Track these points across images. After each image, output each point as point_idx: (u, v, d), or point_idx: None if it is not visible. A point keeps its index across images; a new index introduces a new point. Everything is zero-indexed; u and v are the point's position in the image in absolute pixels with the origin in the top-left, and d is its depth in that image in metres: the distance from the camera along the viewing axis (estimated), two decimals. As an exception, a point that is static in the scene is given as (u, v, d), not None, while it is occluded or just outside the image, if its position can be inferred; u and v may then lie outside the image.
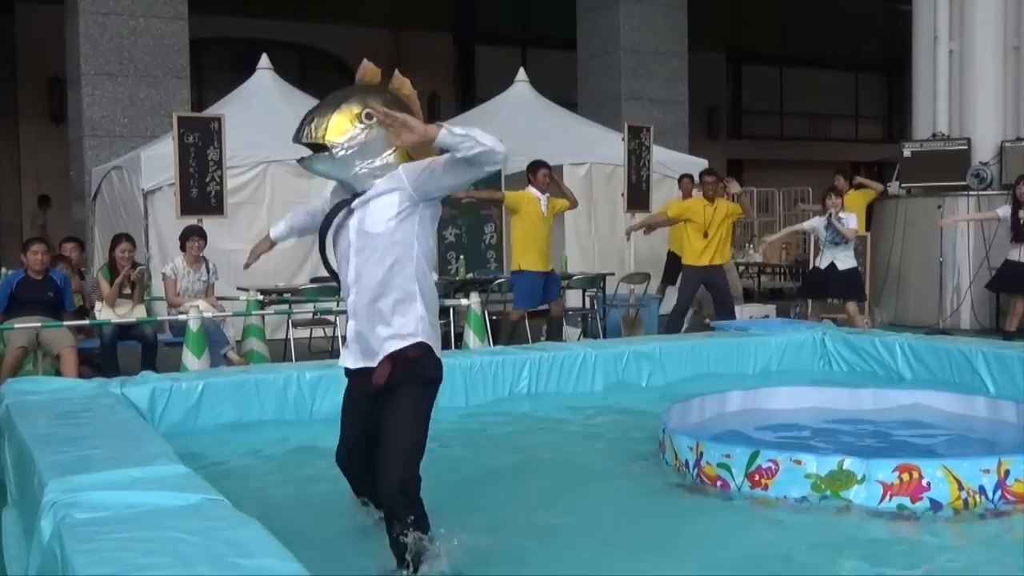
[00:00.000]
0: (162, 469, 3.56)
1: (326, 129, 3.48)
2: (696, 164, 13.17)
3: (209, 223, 9.40)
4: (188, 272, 8.52)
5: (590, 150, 12.60)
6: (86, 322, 8.11)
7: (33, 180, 17.16)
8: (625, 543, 4.09)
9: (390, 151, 3.53)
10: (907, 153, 12.14)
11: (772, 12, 22.86)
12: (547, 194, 9.28)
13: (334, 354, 9.12)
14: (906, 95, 14.77)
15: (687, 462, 4.79)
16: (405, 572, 3.41)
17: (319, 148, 3.52)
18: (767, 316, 11.20)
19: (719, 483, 4.60)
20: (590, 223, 12.36)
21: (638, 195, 11.47)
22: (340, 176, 3.61)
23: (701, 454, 4.70)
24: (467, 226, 11.72)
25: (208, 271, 8.64)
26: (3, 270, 13.55)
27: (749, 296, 14.93)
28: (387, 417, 3.55)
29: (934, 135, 12.05)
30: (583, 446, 5.84)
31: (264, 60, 12.17)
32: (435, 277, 3.85)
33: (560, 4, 16.65)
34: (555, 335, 9.39)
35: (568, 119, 13.79)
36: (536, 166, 9.33)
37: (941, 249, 11.50)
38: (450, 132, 3.38)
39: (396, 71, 3.80)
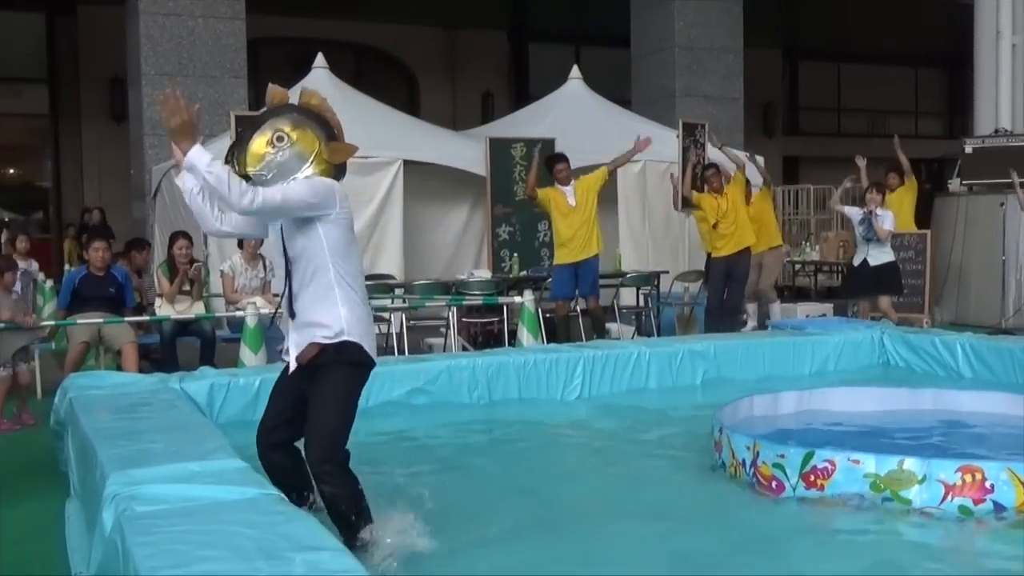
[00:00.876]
0: (220, 463, 3.61)
1: (245, 162, 3.75)
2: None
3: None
4: (246, 269, 8.62)
5: (644, 147, 12.52)
6: (146, 318, 8.25)
7: (95, 179, 17.49)
8: (682, 543, 4.06)
9: (307, 165, 3.79)
10: (968, 149, 11.91)
11: (830, 7, 22.55)
12: (572, 184, 9.36)
13: (388, 350, 9.19)
14: (967, 90, 14.48)
15: (744, 461, 4.75)
16: (345, 538, 3.54)
17: (245, 178, 3.73)
18: (824, 315, 11.06)
19: (773, 483, 4.56)
20: (644, 221, 12.28)
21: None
22: None
23: (758, 454, 4.65)
24: (520, 224, 11.72)
25: (265, 268, 8.74)
26: (66, 266, 13.84)
27: (805, 295, 14.76)
28: (313, 395, 3.80)
29: (996, 131, 11.80)
30: (636, 444, 5.82)
31: (319, 59, 12.27)
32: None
33: (614, 1, 16.58)
34: (597, 330, 9.38)
35: (622, 116, 13.72)
36: (551, 161, 9.44)
37: (1004, 247, 11.27)
38: (197, 159, 3.55)
39: (301, 86, 4.09)
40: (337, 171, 3.89)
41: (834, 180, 18.17)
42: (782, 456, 4.54)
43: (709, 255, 10.43)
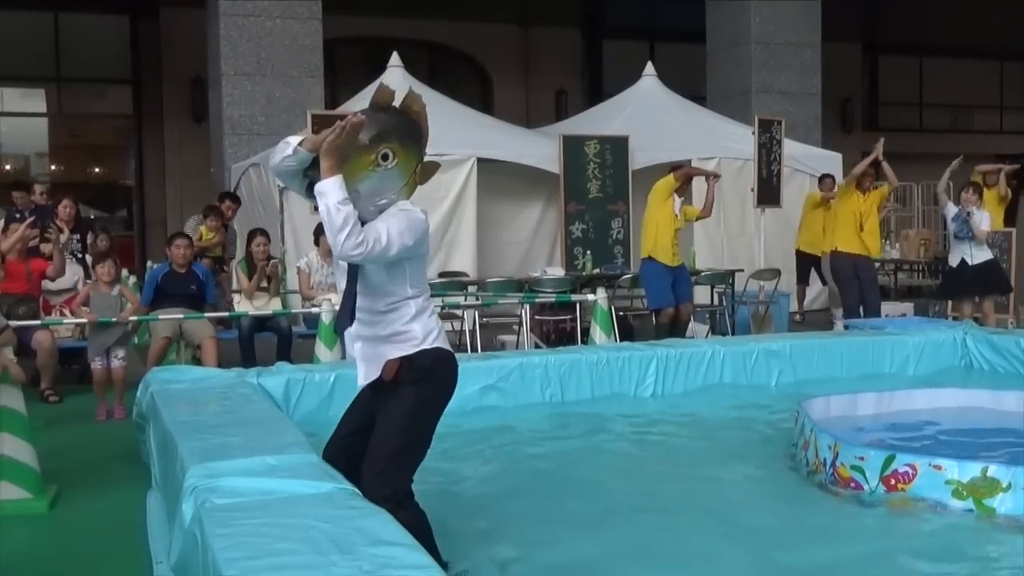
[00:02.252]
0: (296, 458, 3.65)
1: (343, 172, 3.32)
2: (829, 158, 12.84)
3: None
4: (322, 266, 8.73)
5: (719, 144, 12.41)
6: (226, 314, 8.40)
7: (176, 177, 17.86)
8: (761, 542, 4.02)
9: (401, 186, 3.44)
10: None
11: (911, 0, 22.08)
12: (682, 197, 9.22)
13: (461, 347, 9.23)
14: (1056, 84, 14.06)
15: (825, 461, 4.67)
16: None
17: None
18: (904, 315, 10.84)
19: (852, 484, 4.48)
20: (719, 219, 12.15)
21: (768, 190, 11.24)
22: None
23: (837, 454, 4.58)
24: (594, 221, 11.68)
25: (340, 266, 8.83)
26: (148, 263, 14.17)
27: (885, 294, 14.48)
28: (386, 412, 3.50)
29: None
30: (710, 443, 5.77)
31: (395, 58, 12.37)
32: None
33: (689, -3, 16.46)
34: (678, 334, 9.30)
35: (696, 113, 13.61)
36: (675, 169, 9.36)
37: (1093, 245, 10.92)
38: (330, 192, 3.24)
39: (410, 88, 3.67)
40: (413, 189, 3.55)
41: (915, 177, 17.80)
42: (861, 458, 4.46)
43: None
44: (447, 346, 3.61)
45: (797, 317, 11.82)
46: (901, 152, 22.84)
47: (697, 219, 9.55)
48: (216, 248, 9.89)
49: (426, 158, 3.55)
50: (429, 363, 3.48)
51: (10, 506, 4.84)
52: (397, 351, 3.47)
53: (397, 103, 3.49)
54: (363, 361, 3.56)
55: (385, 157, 3.38)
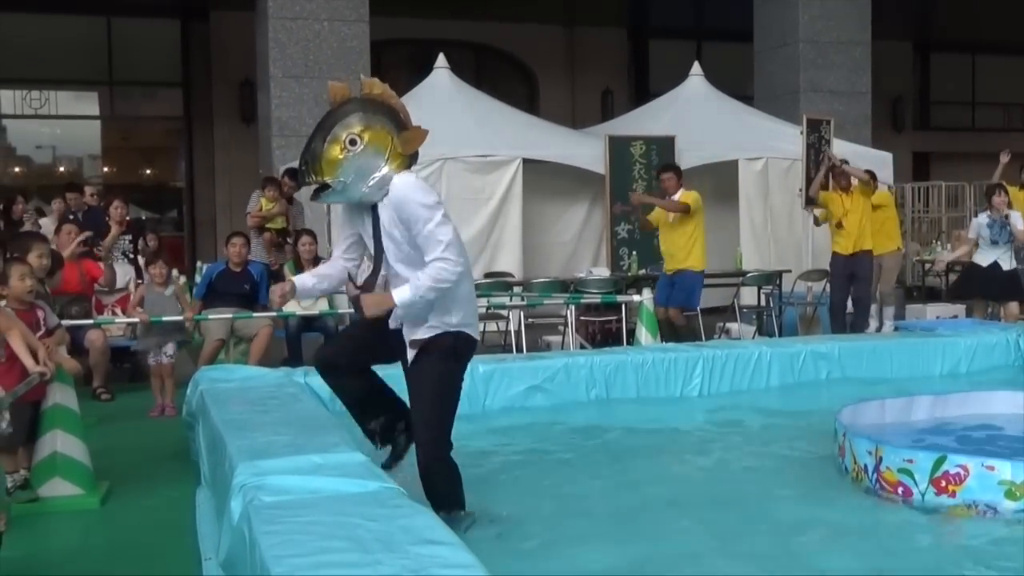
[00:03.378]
0: (342, 456, 3.68)
1: (321, 170, 3.74)
2: (879, 157, 12.68)
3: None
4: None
5: (766, 144, 12.31)
6: (274, 313, 8.47)
7: (226, 178, 18.05)
8: (801, 547, 3.98)
9: (383, 163, 3.77)
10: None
11: (963, -4, 21.73)
12: (679, 192, 9.14)
13: (506, 348, 9.25)
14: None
15: (865, 466, 4.62)
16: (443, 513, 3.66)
17: (325, 186, 3.77)
18: (955, 316, 10.67)
19: (900, 489, 4.42)
20: (766, 219, 12.07)
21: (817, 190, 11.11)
22: (352, 200, 3.88)
23: (880, 458, 4.52)
24: (639, 222, 11.63)
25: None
26: (198, 263, 14.33)
27: (935, 295, 14.26)
28: (417, 382, 3.93)
29: None
30: (757, 447, 5.72)
31: (441, 59, 12.42)
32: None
33: (736, -4, 16.33)
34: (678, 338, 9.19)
35: (744, 112, 13.51)
36: (659, 171, 9.43)
37: None
38: (403, 298, 3.74)
39: (361, 77, 4.03)
40: (411, 159, 3.88)
41: (967, 176, 17.53)
42: (910, 461, 4.40)
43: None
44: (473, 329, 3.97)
45: (849, 318, 11.67)
46: (952, 151, 22.60)
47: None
48: (278, 219, 9.87)
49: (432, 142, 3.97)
50: (454, 339, 3.87)
51: (63, 502, 4.93)
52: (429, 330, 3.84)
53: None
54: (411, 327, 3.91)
55: (352, 142, 3.73)
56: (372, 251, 3.95)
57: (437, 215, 3.72)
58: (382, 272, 3.94)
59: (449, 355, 3.90)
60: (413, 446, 4.05)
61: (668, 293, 9.16)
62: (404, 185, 3.77)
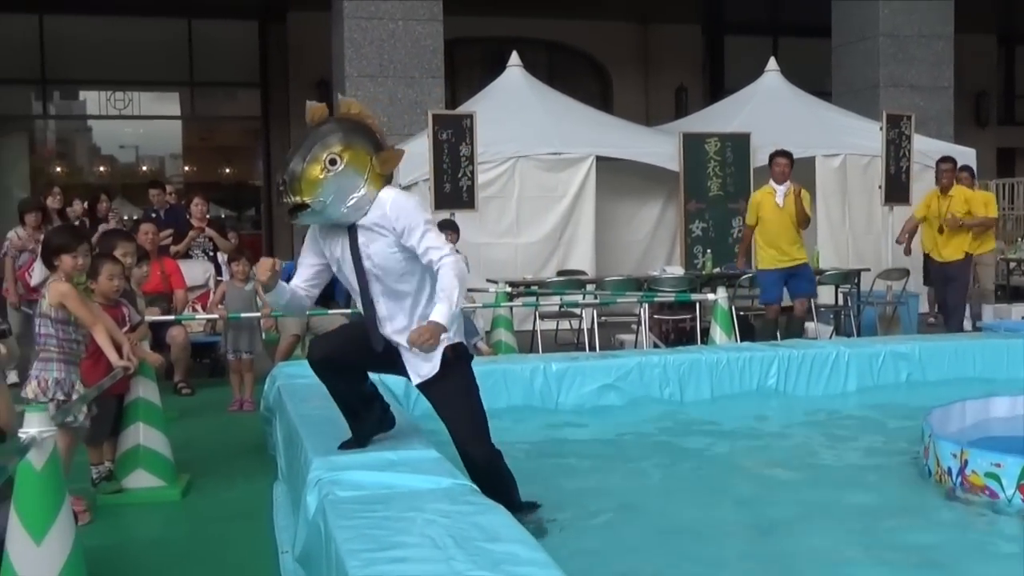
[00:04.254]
0: (416, 453, 3.71)
1: (300, 190, 3.69)
2: (962, 154, 12.36)
3: (461, 217, 9.71)
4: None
5: (844, 140, 12.09)
6: (348, 311, 8.57)
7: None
8: (883, 553, 3.91)
9: (362, 182, 3.73)
10: None
11: (1051, -13, 21.08)
12: (787, 184, 8.90)
13: (579, 346, 9.23)
14: None
15: (949, 470, 4.51)
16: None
17: (304, 206, 3.71)
18: (1042, 316, 10.37)
19: (986, 493, 4.31)
20: (844, 217, 11.86)
21: (897, 187, 10.90)
22: (331, 221, 3.81)
23: (966, 462, 4.41)
24: (714, 220, 11.53)
25: (465, 261, 8.92)
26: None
27: (1021, 295, 13.87)
28: (447, 400, 3.94)
29: None
30: (834, 449, 5.62)
31: (514, 57, 12.43)
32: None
33: (814, -10, 16.07)
34: (793, 334, 9.03)
35: (821, 108, 13.28)
36: (772, 156, 9.06)
37: None
38: (446, 316, 3.71)
39: (338, 95, 3.99)
40: (387, 179, 3.85)
41: (1055, 173, 17.01)
42: (998, 465, 4.29)
43: (926, 255, 10.00)
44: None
45: (931, 319, 11.44)
46: (1039, 147, 21.93)
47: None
48: None
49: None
50: (453, 353, 3.89)
51: (145, 493, 5.05)
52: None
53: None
54: (413, 355, 3.87)
55: (332, 162, 3.70)
56: (349, 278, 3.88)
57: (432, 226, 3.78)
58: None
59: (463, 363, 3.94)
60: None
61: (789, 287, 8.99)
62: (399, 197, 3.79)
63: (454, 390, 3.90)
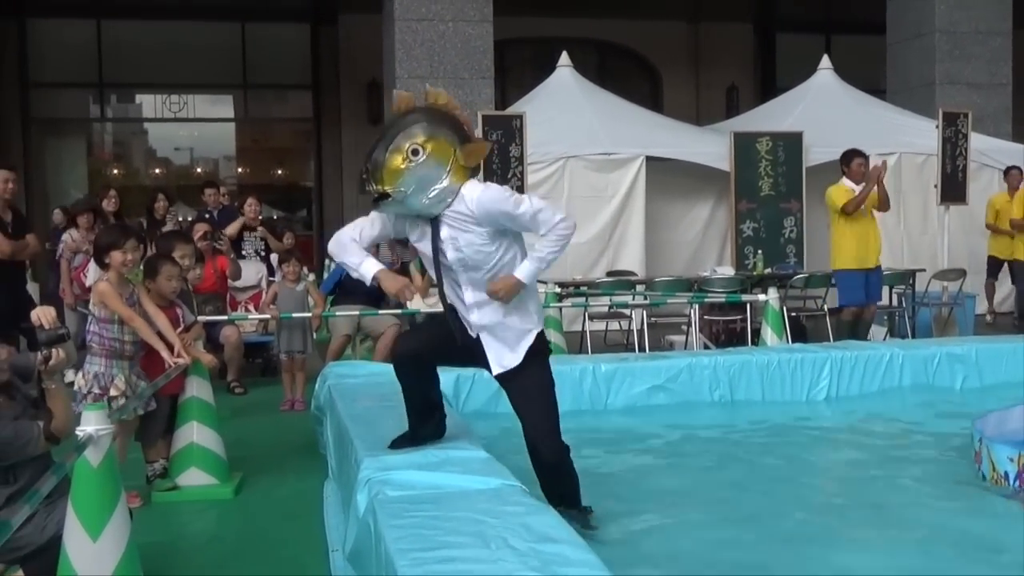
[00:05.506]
0: (465, 453, 3.72)
1: (383, 179, 3.69)
2: (1020, 152, 12.14)
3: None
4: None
5: (899, 139, 11.93)
6: (399, 311, 8.62)
7: (353, 179, 18.41)
8: (942, 558, 3.85)
9: (444, 174, 3.69)
10: None
11: (1115, -19, 20.60)
12: (863, 184, 8.80)
13: (629, 347, 9.19)
14: None
15: (1006, 473, 4.43)
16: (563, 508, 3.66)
17: (385, 195, 3.71)
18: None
19: (1044, 499, 4.23)
20: (899, 216, 11.69)
21: (953, 186, 10.72)
22: (412, 211, 3.80)
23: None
24: (765, 220, 11.43)
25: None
26: (327, 262, 14.66)
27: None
28: (525, 393, 3.91)
29: None
30: (888, 453, 5.55)
31: (564, 58, 12.42)
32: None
33: (868, -13, 15.87)
34: (859, 337, 8.90)
35: (875, 106, 13.12)
36: (850, 155, 8.91)
37: None
38: (528, 274, 3.75)
39: (427, 86, 3.96)
40: (473, 172, 3.82)
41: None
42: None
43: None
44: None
45: (988, 318, 11.25)
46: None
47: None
48: None
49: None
50: (541, 344, 3.91)
51: (199, 491, 5.12)
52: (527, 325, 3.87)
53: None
54: (498, 343, 3.88)
55: (415, 152, 3.67)
56: (431, 264, 3.90)
57: (521, 197, 3.73)
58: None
59: (543, 356, 3.93)
60: None
61: (867, 291, 8.88)
62: (481, 190, 3.71)
63: (532, 383, 3.89)
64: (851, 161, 8.87)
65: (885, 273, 10.03)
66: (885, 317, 10.27)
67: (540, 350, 3.89)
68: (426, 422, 4.01)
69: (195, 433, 5.21)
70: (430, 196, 3.69)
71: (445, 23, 13.18)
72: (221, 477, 5.24)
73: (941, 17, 14.50)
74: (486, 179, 9.92)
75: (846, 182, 8.85)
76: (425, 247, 3.84)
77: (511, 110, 11.30)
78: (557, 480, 3.93)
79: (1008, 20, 14.72)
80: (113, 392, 4.78)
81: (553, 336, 8.66)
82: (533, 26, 18.31)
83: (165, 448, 5.29)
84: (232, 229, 9.31)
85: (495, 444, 4.06)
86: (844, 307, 8.94)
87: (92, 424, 3.31)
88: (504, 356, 3.87)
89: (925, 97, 14.26)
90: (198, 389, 5.27)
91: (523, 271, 3.72)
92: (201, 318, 6.37)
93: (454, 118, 3.80)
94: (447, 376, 6.16)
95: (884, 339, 9.42)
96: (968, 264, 10.71)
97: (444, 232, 3.75)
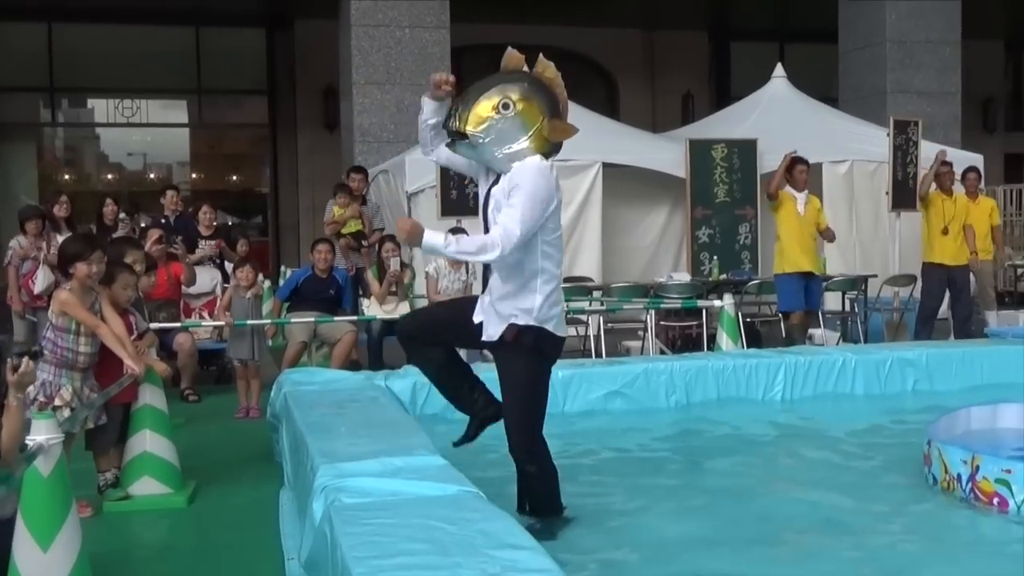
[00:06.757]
0: (422, 460, 3.71)
1: (466, 120, 3.80)
2: (969, 160, 12.34)
3: (468, 224, 9.69)
4: (449, 272, 8.85)
5: (851, 146, 12.08)
6: (355, 318, 8.59)
7: (309, 185, 18.33)
8: (889, 559, 3.89)
9: (525, 137, 3.80)
10: None
11: (1059, -7, 21.05)
12: (805, 192, 8.97)
13: (586, 353, 9.22)
14: None
15: (958, 476, 4.49)
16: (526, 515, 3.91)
17: (462, 135, 3.80)
18: (1050, 323, 10.33)
19: (996, 500, 4.29)
20: (851, 223, 11.83)
21: (904, 193, 10.87)
22: (481, 159, 3.92)
23: (977, 468, 4.39)
24: (721, 226, 11.51)
25: (468, 272, 8.94)
26: (282, 268, 14.57)
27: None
28: (503, 381, 3.99)
29: None
30: (841, 456, 5.60)
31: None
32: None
33: (821, -4, 16.08)
34: (796, 342, 8.99)
35: (828, 114, 13.27)
36: (793, 162, 9.05)
37: None
38: (434, 241, 3.72)
39: (540, 55, 3.99)
40: (553, 147, 3.91)
41: (1062, 179, 16.95)
42: (1008, 471, 4.27)
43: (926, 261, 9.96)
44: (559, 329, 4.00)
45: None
46: (1048, 153, 21.85)
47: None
48: (352, 223, 9.83)
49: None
50: (535, 337, 3.89)
51: (152, 500, 5.06)
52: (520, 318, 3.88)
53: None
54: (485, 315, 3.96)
55: (505, 106, 3.78)
56: (481, 210, 4.01)
57: (535, 205, 3.74)
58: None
59: (531, 352, 3.92)
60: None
61: (807, 296, 9.01)
62: (536, 163, 3.82)
63: (511, 373, 3.96)
64: (792, 168, 9.03)
65: (837, 279, 10.17)
66: (838, 322, 10.39)
67: (528, 347, 3.90)
68: (474, 397, 4.15)
69: (148, 442, 5.14)
70: (504, 151, 3.80)
71: (402, 29, 13.17)
72: (175, 486, 5.18)
73: (892, 27, 14.73)
74: (443, 185, 9.92)
75: (788, 189, 9.01)
76: (482, 190, 3.98)
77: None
78: (525, 484, 3.97)
79: (957, 30, 14.99)
80: (58, 402, 4.70)
81: (510, 342, 8.68)
82: (490, 33, 18.29)
83: (117, 457, 5.22)
84: (194, 258, 9.17)
85: (453, 450, 4.05)
86: (788, 312, 9.08)
87: (42, 433, 3.26)
88: (490, 326, 3.95)
89: (876, 105, 14.48)
90: (151, 397, 5.20)
91: (430, 233, 3.73)
92: (154, 325, 6.30)
93: (553, 93, 3.92)
94: (404, 382, 6.17)
95: (837, 344, 9.53)
96: (919, 270, 10.87)
97: (497, 187, 3.87)
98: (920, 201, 10.06)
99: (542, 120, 3.82)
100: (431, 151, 4.10)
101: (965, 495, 4.44)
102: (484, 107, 3.78)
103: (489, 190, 3.93)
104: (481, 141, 3.78)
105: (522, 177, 3.75)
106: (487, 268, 3.95)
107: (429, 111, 3.96)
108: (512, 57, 3.92)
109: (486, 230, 3.91)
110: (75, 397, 4.80)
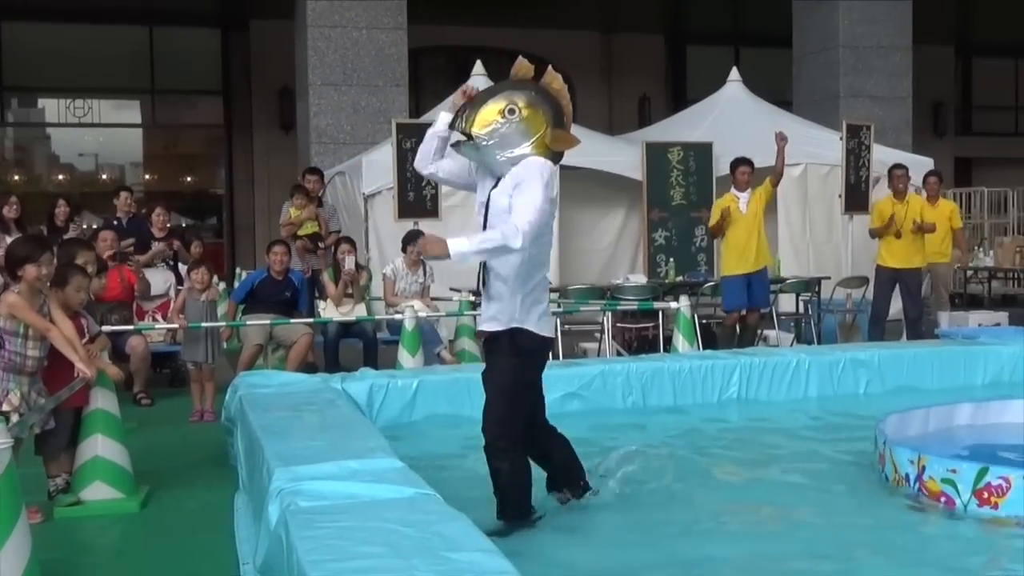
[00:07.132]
0: (378, 462, 3.70)
1: (473, 121, 3.93)
2: (921, 163, 12.53)
3: (425, 226, 9.68)
4: (407, 274, 8.83)
5: (805, 150, 12.20)
6: (311, 320, 8.54)
7: (265, 186, 18.23)
8: (839, 557, 3.94)
9: (527, 143, 3.93)
10: None
11: (1006, 0, 21.44)
12: (748, 191, 9.12)
13: (553, 356, 9.22)
14: None
15: (907, 476, 4.56)
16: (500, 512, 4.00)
17: (468, 137, 3.92)
18: (998, 324, 10.52)
19: (943, 499, 4.36)
20: (804, 225, 11.98)
21: (857, 196, 11.03)
22: (483, 162, 4.03)
23: (923, 468, 4.46)
24: (677, 229, 11.60)
25: (425, 273, 8.93)
26: (238, 270, 14.44)
27: (978, 302, 14.08)
28: (487, 376, 4.12)
29: None
30: (794, 456, 5.66)
31: (478, 66, 12.43)
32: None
33: (774, 1, 16.24)
34: (746, 343, 9.11)
35: (782, 118, 13.39)
36: (735, 164, 9.22)
37: None
38: (459, 247, 3.79)
39: (549, 67, 4.14)
40: (554, 155, 4.01)
41: (1010, 183, 17.30)
42: (953, 471, 4.35)
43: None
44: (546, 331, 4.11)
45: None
46: (995, 157, 22.30)
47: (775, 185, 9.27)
48: (308, 225, 9.77)
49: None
50: (526, 341, 4.00)
51: (104, 505, 4.99)
52: (499, 322, 4.00)
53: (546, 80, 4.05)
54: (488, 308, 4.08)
55: (511, 112, 3.92)
56: (481, 210, 4.09)
57: (543, 201, 3.82)
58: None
59: (510, 352, 4.02)
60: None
61: (750, 294, 9.13)
62: (539, 160, 3.91)
63: (494, 369, 4.08)
64: (735, 169, 9.23)
65: (791, 281, 10.27)
66: (792, 324, 10.50)
67: (508, 350, 4.00)
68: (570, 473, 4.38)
69: (99, 446, 5.07)
70: (506, 155, 3.91)
71: (359, 30, 13.13)
72: (127, 491, 5.11)
73: (845, 32, 14.94)
74: (400, 187, 9.89)
75: (732, 191, 9.19)
76: (481, 195, 4.06)
77: (425, 118, 11.27)
78: (494, 480, 4.06)
79: (908, 36, 15.24)
80: (5, 407, 4.62)
81: (467, 344, 8.69)
82: (447, 35, 18.35)
83: (68, 462, 5.14)
84: (146, 258, 9.06)
85: (408, 453, 4.04)
86: (727, 311, 9.19)
87: (-10, 438, 3.21)
88: (487, 321, 4.08)
89: (829, 109, 14.67)
90: (103, 401, 5.13)
91: (451, 241, 3.79)
92: (106, 328, 6.22)
93: (559, 104, 4.03)
94: (360, 385, 6.14)
95: (791, 345, 9.63)
96: (871, 272, 11.01)
97: (497, 190, 3.95)
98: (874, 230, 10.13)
99: (545, 128, 3.96)
100: (429, 164, 4.19)
101: (913, 494, 4.50)
102: (491, 111, 3.91)
103: (489, 194, 4.02)
104: (485, 143, 3.90)
105: (528, 171, 3.87)
106: (482, 267, 4.04)
107: (444, 125, 4.08)
108: (522, 66, 4.05)
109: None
110: (23, 402, 4.72)
